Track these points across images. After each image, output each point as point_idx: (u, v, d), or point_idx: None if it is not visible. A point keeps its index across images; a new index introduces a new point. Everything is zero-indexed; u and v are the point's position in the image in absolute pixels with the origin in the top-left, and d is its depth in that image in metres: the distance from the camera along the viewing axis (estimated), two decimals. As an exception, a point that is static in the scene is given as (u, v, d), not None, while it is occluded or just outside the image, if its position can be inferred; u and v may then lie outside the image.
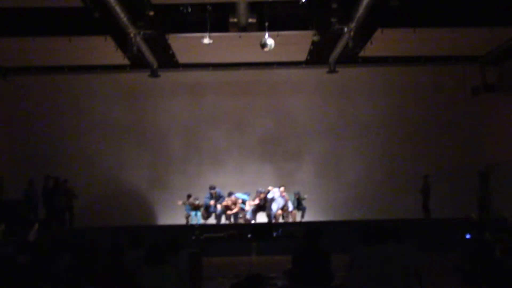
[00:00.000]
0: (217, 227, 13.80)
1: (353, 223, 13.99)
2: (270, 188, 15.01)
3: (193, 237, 11.41)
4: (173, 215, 15.91)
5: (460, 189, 15.65)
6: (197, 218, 14.92)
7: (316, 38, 13.41)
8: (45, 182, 14.56)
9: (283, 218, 14.84)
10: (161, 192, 16.89)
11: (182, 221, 15.19)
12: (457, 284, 7.69)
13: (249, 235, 11.30)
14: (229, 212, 14.73)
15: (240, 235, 11.55)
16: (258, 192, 15.01)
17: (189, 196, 15.16)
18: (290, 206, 14.83)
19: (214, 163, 15.39)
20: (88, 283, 4.99)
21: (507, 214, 12.65)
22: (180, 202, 15.12)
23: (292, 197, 15.00)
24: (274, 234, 11.37)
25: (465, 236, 9.99)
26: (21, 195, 14.64)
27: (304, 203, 15.17)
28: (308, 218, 15.36)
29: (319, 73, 16.63)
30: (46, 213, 14.45)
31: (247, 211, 14.89)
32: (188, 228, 13.67)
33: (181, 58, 15.84)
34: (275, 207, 14.73)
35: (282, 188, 14.88)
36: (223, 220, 14.84)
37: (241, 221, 14.71)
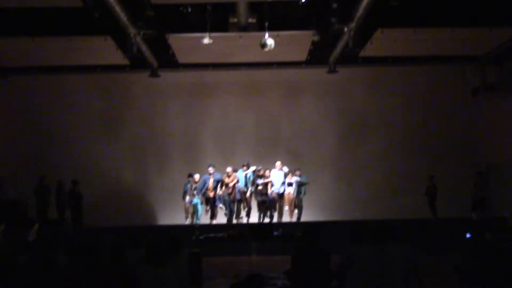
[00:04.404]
0: (217, 227, 13.80)
1: (353, 223, 14.00)
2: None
3: (193, 237, 11.41)
4: (173, 215, 15.91)
5: (460, 189, 15.63)
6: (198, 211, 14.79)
7: (316, 38, 13.41)
8: (58, 184, 14.83)
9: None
10: (161, 192, 16.87)
11: (182, 221, 15.19)
12: (457, 284, 7.70)
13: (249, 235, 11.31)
14: (227, 180, 14.59)
15: (240, 235, 11.57)
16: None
17: (190, 176, 15.01)
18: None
19: (214, 163, 15.36)
20: (88, 283, 4.99)
21: (507, 214, 12.65)
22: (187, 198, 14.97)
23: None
24: (274, 234, 11.38)
25: (465, 236, 9.99)
26: (33, 193, 14.70)
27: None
28: (307, 218, 15.35)
29: (319, 73, 16.61)
30: (59, 214, 14.72)
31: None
32: (188, 228, 13.67)
33: (181, 58, 15.82)
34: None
35: (278, 163, 14.85)
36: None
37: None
